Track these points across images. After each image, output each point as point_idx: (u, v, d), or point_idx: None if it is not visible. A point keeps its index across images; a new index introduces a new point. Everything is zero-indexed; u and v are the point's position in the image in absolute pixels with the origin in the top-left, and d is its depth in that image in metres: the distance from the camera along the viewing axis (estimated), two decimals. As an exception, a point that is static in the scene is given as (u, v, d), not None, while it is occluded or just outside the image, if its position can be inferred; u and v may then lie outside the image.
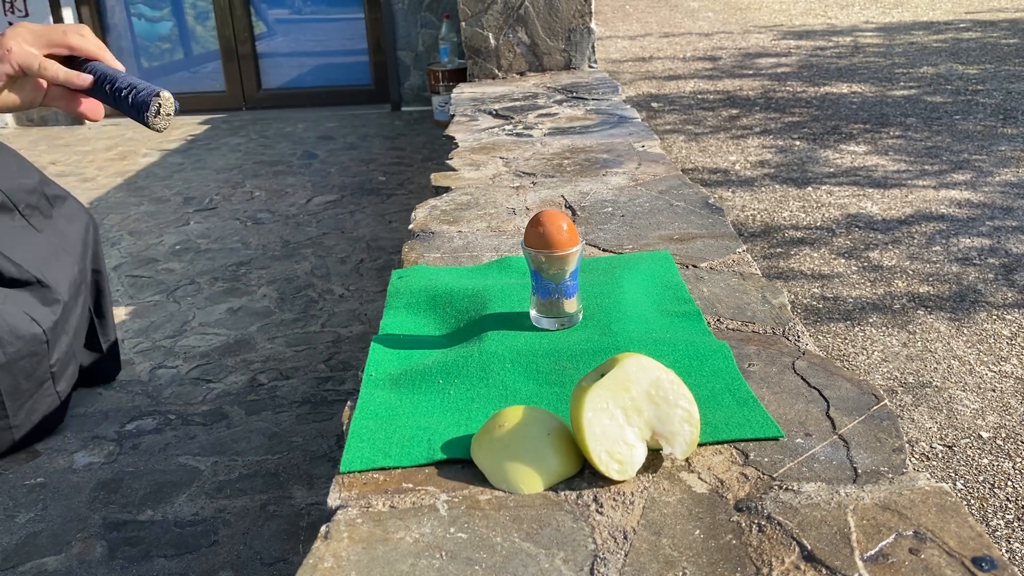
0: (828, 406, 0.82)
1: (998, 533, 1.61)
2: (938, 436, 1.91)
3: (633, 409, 0.73)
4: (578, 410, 0.73)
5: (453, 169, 1.90)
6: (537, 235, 0.98)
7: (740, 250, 1.25)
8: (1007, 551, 1.58)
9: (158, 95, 1.00)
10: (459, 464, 0.78)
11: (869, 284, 2.69)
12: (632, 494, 0.71)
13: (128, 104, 1.02)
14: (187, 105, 5.42)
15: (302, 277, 2.83)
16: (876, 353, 2.28)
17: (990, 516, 1.66)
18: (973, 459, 1.83)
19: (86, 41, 1.07)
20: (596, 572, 0.62)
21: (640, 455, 0.74)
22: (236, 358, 2.28)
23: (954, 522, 0.64)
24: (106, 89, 1.05)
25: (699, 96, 5.30)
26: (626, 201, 1.55)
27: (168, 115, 1.01)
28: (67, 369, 1.94)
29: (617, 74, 5.98)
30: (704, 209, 1.47)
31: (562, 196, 1.62)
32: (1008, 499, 1.70)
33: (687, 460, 0.76)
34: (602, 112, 2.54)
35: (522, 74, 3.51)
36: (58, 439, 1.93)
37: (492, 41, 3.49)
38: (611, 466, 0.72)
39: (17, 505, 1.71)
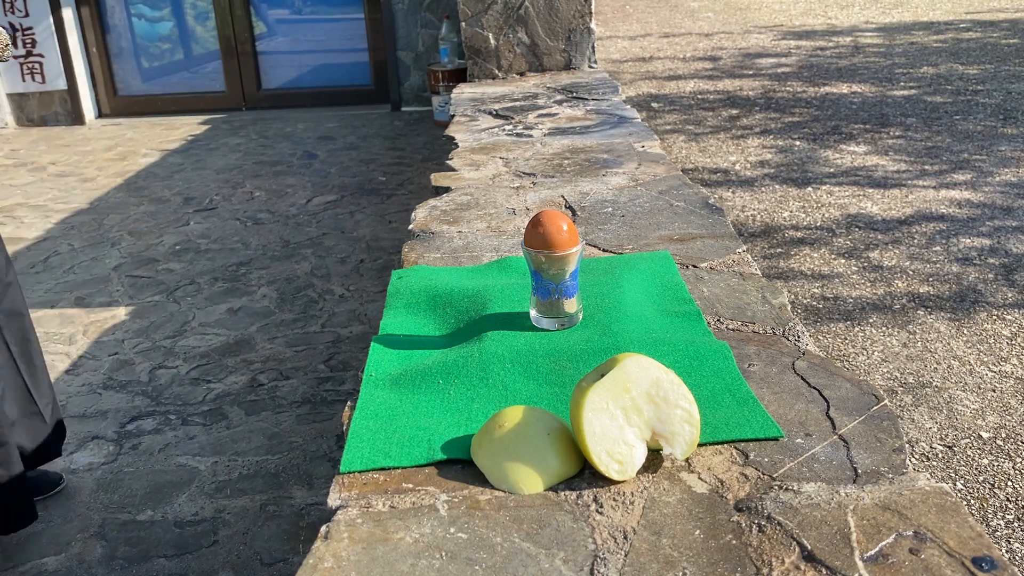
0: (828, 406, 0.82)
1: (998, 533, 1.61)
2: (938, 436, 1.91)
3: (633, 409, 0.73)
4: (578, 410, 0.72)
5: (453, 169, 1.90)
6: (537, 235, 0.98)
7: (740, 250, 1.25)
8: (1007, 551, 1.58)
9: None
10: (459, 464, 0.78)
11: (869, 284, 2.69)
12: (632, 494, 0.71)
13: None
14: (187, 105, 5.42)
15: (302, 277, 2.83)
16: (876, 353, 2.28)
17: (990, 516, 1.66)
18: (973, 459, 1.83)
19: None
20: (596, 572, 0.62)
21: (640, 455, 0.74)
22: (236, 358, 2.28)
23: (954, 522, 0.64)
24: None
25: (699, 96, 5.30)
26: (626, 201, 1.55)
27: (6, 46, 1.17)
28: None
29: (617, 74, 5.98)
30: (704, 209, 1.47)
31: (562, 196, 1.62)
32: (1008, 499, 1.70)
33: (687, 460, 0.76)
34: (602, 112, 2.54)
35: (522, 74, 3.51)
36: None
37: (492, 41, 3.48)
38: (611, 466, 0.72)
39: (17, 505, 1.72)
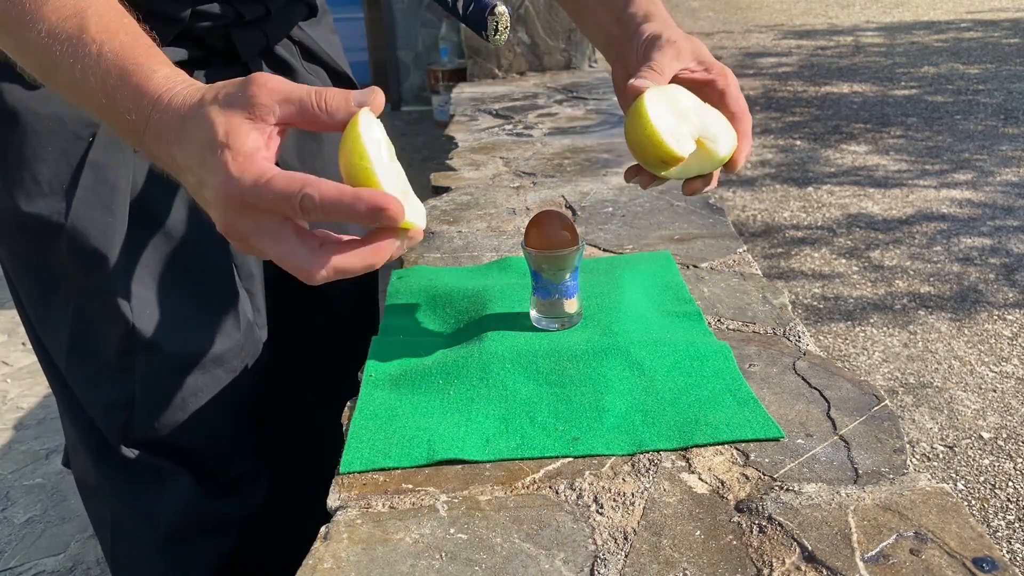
0: (829, 407, 0.82)
1: (999, 534, 1.61)
2: (939, 436, 1.91)
3: (682, 116, 0.79)
4: (639, 105, 0.77)
5: (453, 169, 1.90)
6: (537, 235, 0.98)
7: (741, 250, 1.25)
8: (1008, 552, 1.58)
9: (493, 11, 0.95)
10: (459, 464, 0.78)
11: (870, 284, 2.69)
12: (632, 495, 0.71)
13: (463, 17, 0.98)
14: (188, 105, 5.41)
15: (302, 277, 2.82)
16: (877, 353, 2.28)
17: (991, 517, 1.65)
18: (974, 460, 1.83)
19: None
20: (596, 573, 0.62)
21: (689, 148, 0.79)
22: (236, 358, 2.28)
23: (955, 523, 0.64)
24: None
25: (700, 96, 5.29)
26: (626, 201, 1.55)
27: (506, 28, 0.96)
28: None
29: (618, 74, 5.98)
30: (705, 209, 1.46)
31: (562, 196, 1.62)
32: (1009, 500, 1.70)
33: (687, 460, 0.75)
34: (602, 112, 2.54)
35: (522, 74, 3.51)
36: (58, 438, 1.93)
37: (492, 41, 3.47)
38: (675, 144, 0.76)
39: (17, 505, 1.71)
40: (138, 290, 0.88)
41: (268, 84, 0.59)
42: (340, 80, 1.14)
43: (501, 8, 0.94)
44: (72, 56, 0.61)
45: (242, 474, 1.02)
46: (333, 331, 1.17)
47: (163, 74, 0.61)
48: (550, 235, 0.97)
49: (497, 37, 0.95)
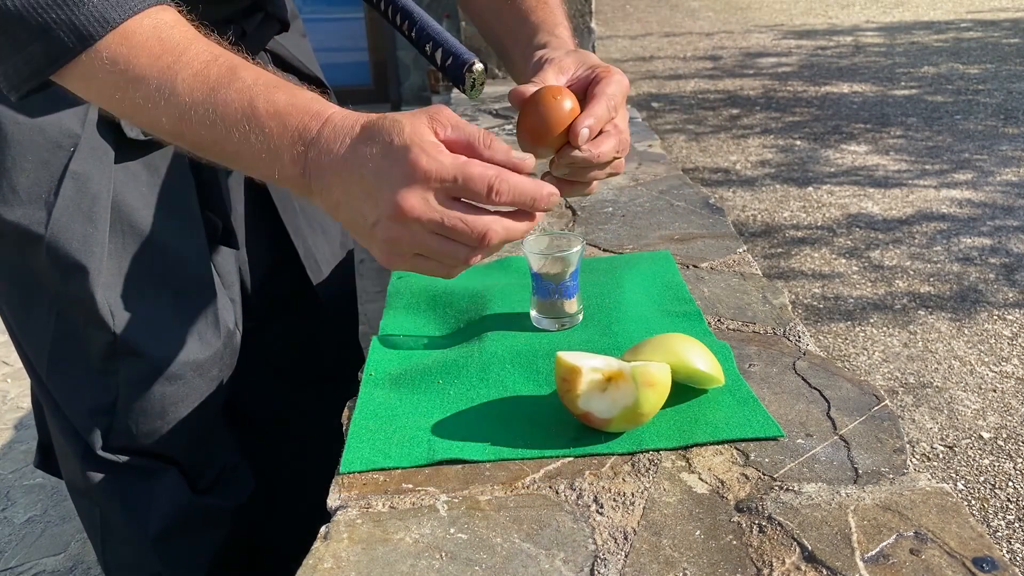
0: (829, 406, 0.82)
1: (999, 534, 1.61)
2: (939, 436, 1.91)
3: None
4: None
5: (453, 169, 1.90)
6: (532, 115, 0.85)
7: (741, 250, 1.25)
8: (1008, 552, 1.58)
9: (470, 69, 0.97)
10: (459, 464, 0.78)
11: (870, 284, 2.69)
12: (632, 495, 0.71)
13: (441, 68, 1.02)
14: (188, 105, 5.40)
15: (302, 277, 2.82)
16: (877, 353, 2.28)
17: (991, 517, 1.66)
18: (974, 460, 1.83)
19: None
20: (596, 573, 0.62)
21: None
22: (236, 358, 2.28)
23: (955, 523, 0.64)
24: (411, 35, 1.02)
25: (700, 96, 5.30)
26: (626, 201, 1.55)
27: (483, 84, 0.99)
28: None
29: (618, 74, 5.98)
30: (705, 209, 1.46)
31: (562, 196, 1.62)
32: (1009, 500, 1.70)
33: (687, 460, 0.75)
34: (603, 112, 2.53)
35: (523, 74, 3.51)
36: (58, 439, 1.93)
37: (493, 41, 3.47)
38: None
39: (17, 505, 1.71)
40: (119, 299, 0.89)
41: (447, 110, 0.68)
42: (312, 84, 1.15)
43: (478, 66, 0.96)
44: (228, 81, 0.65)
45: (223, 469, 1.03)
46: (315, 329, 1.18)
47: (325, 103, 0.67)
48: (547, 115, 0.83)
49: (474, 92, 0.98)
